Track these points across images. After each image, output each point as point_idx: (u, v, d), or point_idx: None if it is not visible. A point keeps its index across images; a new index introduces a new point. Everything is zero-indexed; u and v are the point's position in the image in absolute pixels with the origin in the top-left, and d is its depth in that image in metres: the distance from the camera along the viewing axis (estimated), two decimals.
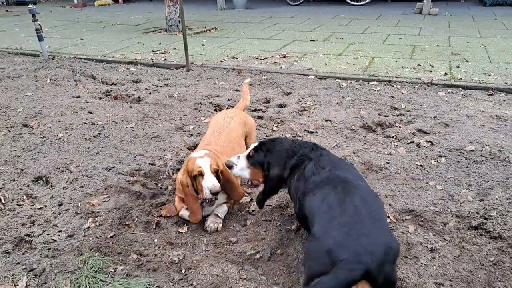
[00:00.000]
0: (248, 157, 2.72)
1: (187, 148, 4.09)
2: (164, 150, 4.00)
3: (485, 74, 5.83)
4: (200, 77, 6.26)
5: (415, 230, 2.76)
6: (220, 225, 2.91)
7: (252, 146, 2.76)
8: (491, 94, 5.22)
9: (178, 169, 3.63)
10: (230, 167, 2.74)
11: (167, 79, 6.23)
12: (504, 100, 5.00)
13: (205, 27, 9.99)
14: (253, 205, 3.15)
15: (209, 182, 2.70)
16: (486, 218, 2.81)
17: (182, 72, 6.55)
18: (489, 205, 2.95)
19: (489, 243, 2.62)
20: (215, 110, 5.04)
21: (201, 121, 4.67)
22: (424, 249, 2.59)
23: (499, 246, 2.58)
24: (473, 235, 2.69)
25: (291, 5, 14.36)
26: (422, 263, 2.48)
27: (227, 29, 10.05)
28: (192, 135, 4.35)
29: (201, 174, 2.75)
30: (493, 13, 11.19)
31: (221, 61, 7.02)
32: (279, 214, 3.01)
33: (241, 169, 2.72)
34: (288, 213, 3.03)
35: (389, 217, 2.89)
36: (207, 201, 2.80)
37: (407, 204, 3.05)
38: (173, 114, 4.86)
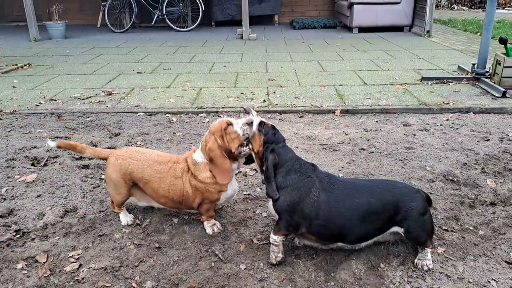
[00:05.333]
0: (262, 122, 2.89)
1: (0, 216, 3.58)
2: None
3: (295, 98, 6.59)
4: (11, 127, 5.58)
5: None
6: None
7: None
8: (302, 116, 5.92)
9: None
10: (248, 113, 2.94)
11: None
12: (312, 121, 5.73)
13: (16, 64, 8.97)
14: None
15: None
16: None
17: None
18: None
19: None
20: (32, 164, 4.55)
21: (15, 181, 4.16)
22: None
23: None
24: None
25: (116, 32, 13.86)
26: None
27: (43, 65, 9.21)
28: (5, 200, 3.83)
29: None
30: (301, 36, 12.75)
31: (37, 105, 6.38)
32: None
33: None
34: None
35: None
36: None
37: None
38: None
